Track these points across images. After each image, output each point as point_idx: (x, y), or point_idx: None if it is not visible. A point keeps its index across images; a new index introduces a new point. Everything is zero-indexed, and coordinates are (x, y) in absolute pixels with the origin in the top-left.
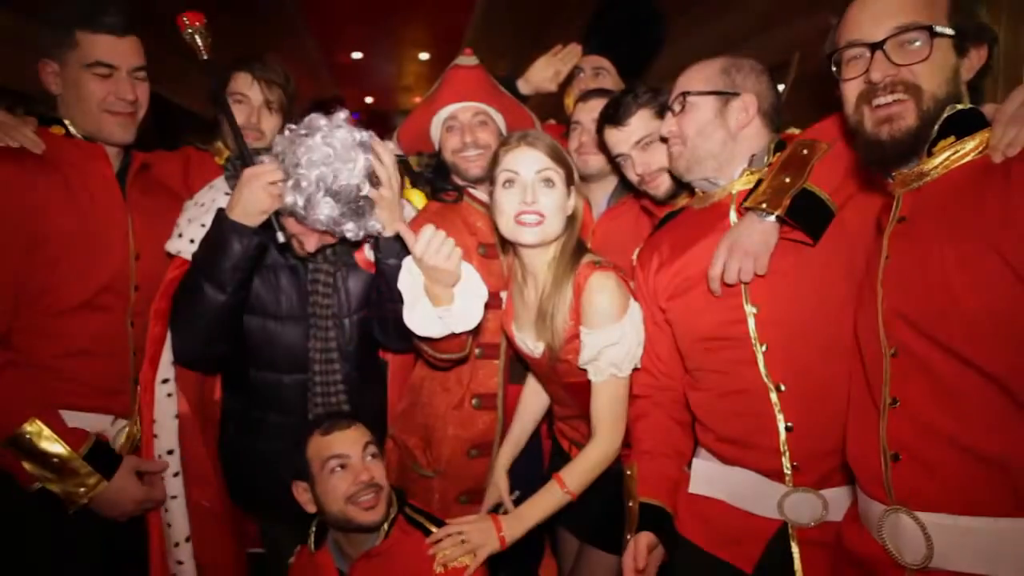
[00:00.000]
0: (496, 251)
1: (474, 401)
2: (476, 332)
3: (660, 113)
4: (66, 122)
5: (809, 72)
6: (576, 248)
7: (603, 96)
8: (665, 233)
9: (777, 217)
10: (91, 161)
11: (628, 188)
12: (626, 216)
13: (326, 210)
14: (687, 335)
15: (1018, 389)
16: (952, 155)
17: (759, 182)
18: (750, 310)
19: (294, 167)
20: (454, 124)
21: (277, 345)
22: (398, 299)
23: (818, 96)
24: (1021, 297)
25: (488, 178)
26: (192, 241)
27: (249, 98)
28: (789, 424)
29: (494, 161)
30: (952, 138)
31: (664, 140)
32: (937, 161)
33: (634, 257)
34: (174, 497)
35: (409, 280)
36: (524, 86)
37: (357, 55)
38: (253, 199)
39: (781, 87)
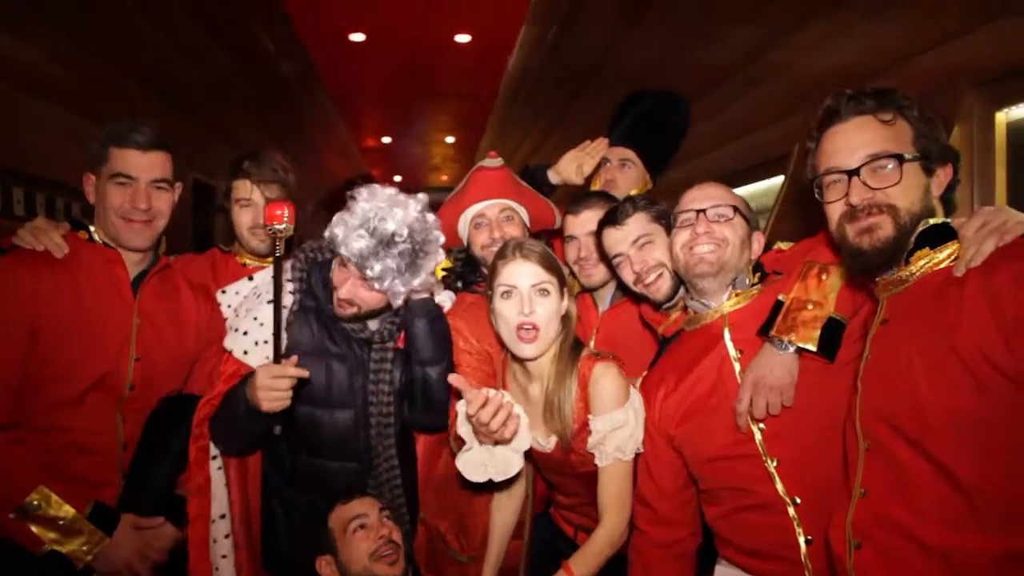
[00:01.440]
0: None
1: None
2: None
3: (657, 218)
4: (91, 228)
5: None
6: (573, 345)
7: (592, 207)
8: (665, 361)
9: (803, 348)
10: (106, 265)
11: (627, 294)
12: (628, 314)
13: (387, 263)
14: (698, 456)
15: (971, 487)
16: (927, 263)
17: (778, 305)
18: (757, 428)
19: (344, 233)
20: (482, 221)
21: (325, 432)
22: (427, 362)
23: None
24: (977, 397)
25: (488, 286)
26: (246, 333)
27: (252, 201)
28: (809, 537)
29: (492, 271)
30: (927, 248)
31: (689, 244)
32: (914, 268)
33: (637, 383)
34: (224, 556)
35: (463, 424)
36: (554, 177)
37: (386, 139)
38: (268, 400)
39: (781, 178)
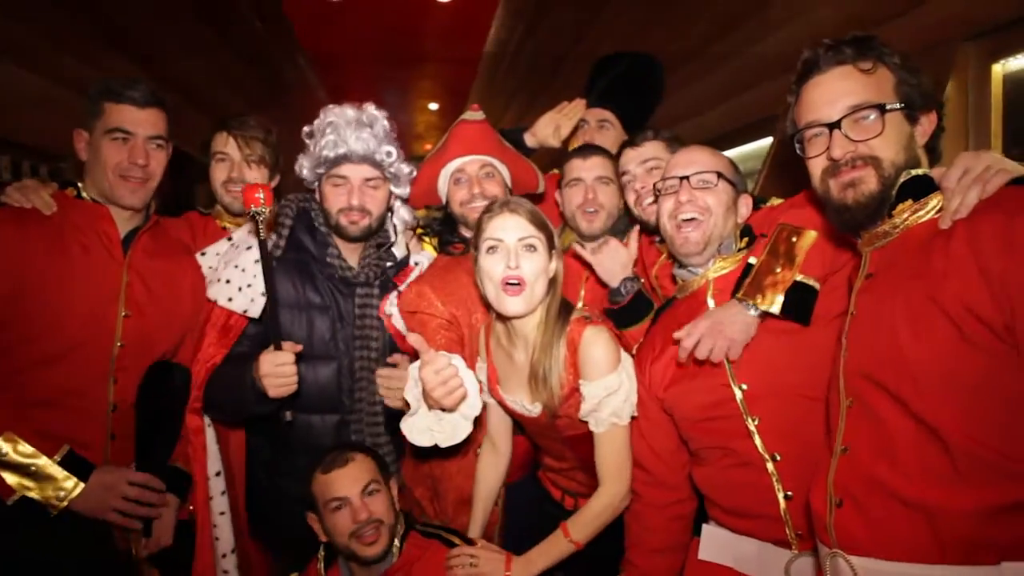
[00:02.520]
0: None
1: (477, 451)
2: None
3: (670, 149)
4: (79, 185)
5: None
6: (562, 308)
7: (602, 154)
8: (657, 328)
9: (768, 313)
10: (96, 221)
11: (621, 235)
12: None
13: (364, 134)
14: (685, 418)
15: (953, 442)
16: (910, 215)
17: (748, 268)
18: (738, 388)
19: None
20: (461, 176)
21: (307, 386)
22: None
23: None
24: (961, 351)
25: (474, 244)
26: (228, 281)
27: (228, 155)
28: (788, 493)
29: (478, 228)
30: (910, 201)
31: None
32: (897, 221)
33: (633, 351)
34: (223, 513)
35: (412, 387)
36: (530, 140)
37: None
38: (274, 387)
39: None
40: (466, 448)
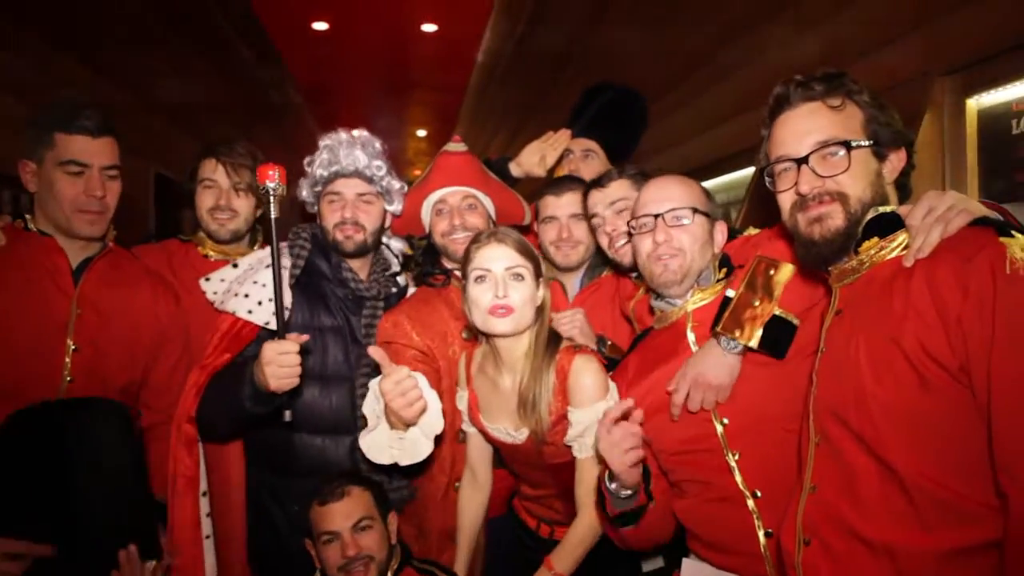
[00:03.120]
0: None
1: (457, 486)
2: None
3: (636, 186)
4: (27, 217)
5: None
6: (550, 336)
7: (575, 189)
8: (635, 357)
9: (747, 347)
10: (43, 255)
11: (599, 268)
12: (602, 291)
13: (355, 151)
14: (663, 451)
15: (912, 484)
16: (876, 252)
17: (725, 302)
18: (719, 423)
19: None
20: (443, 207)
21: (322, 411)
22: None
23: None
24: (920, 393)
25: (462, 274)
26: (247, 296)
27: (217, 182)
28: (768, 530)
29: (466, 258)
30: (876, 238)
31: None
32: (863, 258)
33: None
34: (208, 536)
35: (373, 402)
36: (515, 169)
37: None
38: (277, 377)
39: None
40: (445, 488)
